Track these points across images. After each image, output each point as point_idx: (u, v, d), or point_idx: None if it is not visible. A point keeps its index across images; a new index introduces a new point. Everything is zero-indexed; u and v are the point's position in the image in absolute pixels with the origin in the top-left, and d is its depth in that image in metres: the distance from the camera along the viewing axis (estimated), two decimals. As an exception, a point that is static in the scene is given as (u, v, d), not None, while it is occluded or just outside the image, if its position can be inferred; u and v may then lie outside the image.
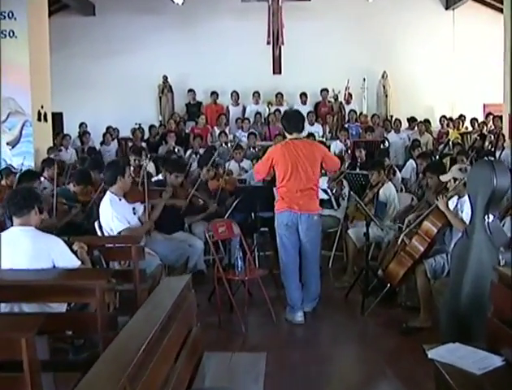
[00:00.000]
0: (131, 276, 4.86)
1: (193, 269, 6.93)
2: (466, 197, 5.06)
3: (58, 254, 4.06)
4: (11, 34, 10.06)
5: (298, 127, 5.83)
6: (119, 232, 5.60)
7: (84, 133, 12.99)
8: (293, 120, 5.85)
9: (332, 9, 14.72)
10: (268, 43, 13.87)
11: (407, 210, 6.77)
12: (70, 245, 4.33)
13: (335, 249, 7.84)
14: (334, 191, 7.56)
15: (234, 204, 6.44)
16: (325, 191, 6.97)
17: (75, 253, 4.26)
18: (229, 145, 11.63)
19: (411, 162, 10.04)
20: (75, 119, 14.25)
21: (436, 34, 15.06)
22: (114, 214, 5.70)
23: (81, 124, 13.90)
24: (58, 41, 14.27)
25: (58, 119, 14.79)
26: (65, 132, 13.80)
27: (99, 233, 5.87)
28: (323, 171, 7.62)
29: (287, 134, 5.92)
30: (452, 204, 5.36)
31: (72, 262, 4.11)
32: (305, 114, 13.55)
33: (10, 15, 10.03)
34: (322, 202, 6.94)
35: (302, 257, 5.84)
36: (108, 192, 5.90)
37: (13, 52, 9.99)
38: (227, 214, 6.37)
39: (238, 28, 14.54)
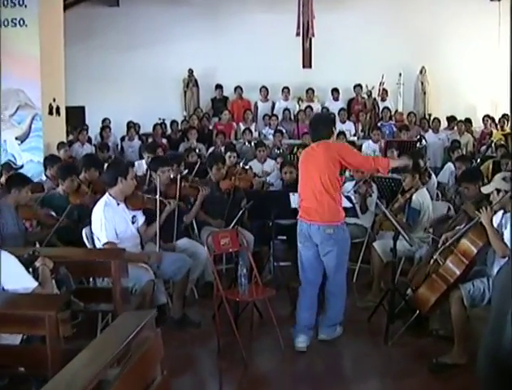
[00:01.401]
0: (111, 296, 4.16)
1: (199, 281, 6.26)
2: (513, 213, 4.25)
3: (6, 274, 3.36)
4: (21, 23, 9.41)
5: (324, 136, 5.06)
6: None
7: (104, 128, 12.38)
8: (319, 127, 5.14)
9: (366, -1, 13.93)
10: (298, 35, 13.08)
11: (442, 219, 5.98)
12: (33, 261, 3.64)
13: (360, 261, 7.01)
14: (359, 193, 6.75)
15: (241, 212, 5.69)
16: (348, 198, 6.13)
17: (35, 270, 3.57)
18: (252, 143, 10.87)
19: (449, 166, 9.18)
20: (99, 113, 13.71)
21: (479, 27, 13.98)
22: (103, 221, 5.02)
23: (104, 120, 13.32)
24: (80, 33, 14.00)
25: (79, 113, 14.38)
26: (88, 126, 13.28)
27: (87, 243, 5.21)
28: (348, 173, 6.90)
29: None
30: (495, 219, 4.51)
31: (25, 283, 3.41)
32: (336, 112, 13.04)
33: (21, 2, 9.40)
34: (344, 211, 6.19)
35: (326, 269, 5.09)
36: (106, 195, 5.25)
37: (23, 42, 9.37)
38: (232, 224, 5.59)
39: (267, 19, 13.83)
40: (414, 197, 6.12)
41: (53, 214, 5.72)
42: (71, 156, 9.65)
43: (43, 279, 3.52)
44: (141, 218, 5.44)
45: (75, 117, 13.84)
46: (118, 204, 5.22)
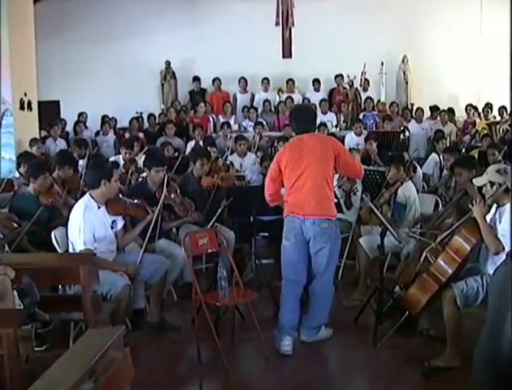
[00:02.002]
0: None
1: (177, 282, 5.98)
2: (508, 207, 4.00)
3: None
4: (-12, 16, 9.06)
5: (309, 127, 4.89)
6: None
7: (77, 123, 11.99)
8: (303, 118, 4.90)
9: (347, -13, 13.65)
10: (277, 24, 12.80)
11: (430, 217, 5.73)
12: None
13: (345, 258, 6.76)
14: (343, 189, 6.50)
15: (220, 210, 5.39)
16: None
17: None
18: (232, 136, 10.53)
19: (434, 156, 8.96)
20: (74, 107, 13.29)
21: (461, 15, 13.77)
22: (82, 226, 4.73)
23: (81, 114, 12.92)
24: (55, 25, 13.69)
25: (54, 107, 13.98)
26: (62, 121, 12.87)
27: (57, 247, 4.90)
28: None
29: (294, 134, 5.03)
30: (489, 214, 4.27)
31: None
32: (317, 103, 12.76)
33: (-13, -5, 9.04)
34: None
35: (313, 267, 4.85)
36: (86, 196, 4.96)
37: (-8, 35, 9.00)
38: (211, 222, 5.30)
39: (245, 8, 13.48)
40: (399, 191, 5.90)
41: (14, 217, 5.37)
42: (44, 153, 9.27)
43: (2, 291, 3.20)
44: (119, 223, 5.15)
45: (50, 112, 13.43)
46: (98, 207, 4.93)
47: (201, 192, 6.47)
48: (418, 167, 7.90)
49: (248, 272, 6.49)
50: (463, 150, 9.10)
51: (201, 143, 9.71)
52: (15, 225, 5.34)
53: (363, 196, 5.96)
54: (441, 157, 8.80)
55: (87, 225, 4.71)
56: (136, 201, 5.21)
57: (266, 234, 6.59)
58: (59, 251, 4.89)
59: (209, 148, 7.77)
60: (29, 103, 9.68)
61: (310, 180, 4.64)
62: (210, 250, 4.86)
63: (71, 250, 4.81)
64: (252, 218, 6.01)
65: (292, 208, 4.71)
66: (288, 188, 4.77)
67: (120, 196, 5.19)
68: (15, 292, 3.30)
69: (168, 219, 5.82)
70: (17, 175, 7.26)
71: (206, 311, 4.50)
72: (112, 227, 5.01)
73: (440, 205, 6.29)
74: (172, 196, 5.79)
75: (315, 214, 4.64)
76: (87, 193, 4.96)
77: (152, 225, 5.22)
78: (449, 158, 7.11)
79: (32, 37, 10.00)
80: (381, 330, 4.92)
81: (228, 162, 8.58)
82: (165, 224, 5.83)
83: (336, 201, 5.79)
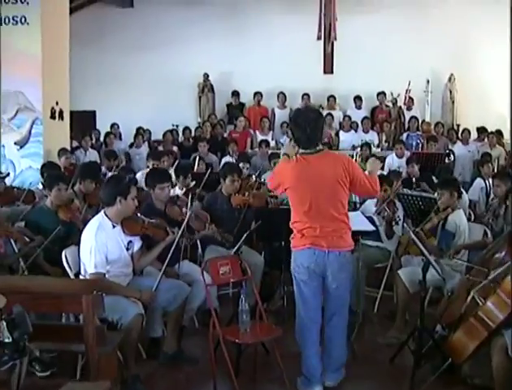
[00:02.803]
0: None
1: (199, 308, 5.52)
2: None
3: None
4: (23, 20, 8.82)
5: (315, 140, 4.13)
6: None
7: (108, 134, 11.73)
8: (307, 129, 4.05)
9: (392, 0, 13.20)
10: (319, 38, 12.41)
11: (478, 247, 5.21)
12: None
13: (383, 288, 6.24)
14: (384, 215, 5.99)
15: (245, 235, 4.94)
16: (370, 219, 5.36)
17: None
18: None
19: (479, 181, 8.39)
20: (110, 118, 13.15)
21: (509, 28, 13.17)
22: (94, 247, 4.36)
23: (113, 125, 12.71)
24: (93, 34, 13.65)
25: (90, 117, 13.88)
26: (96, 131, 12.71)
27: (67, 268, 4.54)
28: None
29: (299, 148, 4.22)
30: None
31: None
32: (359, 121, 12.29)
33: (23, -1, 8.85)
34: (366, 234, 5.45)
35: (328, 312, 4.32)
36: (101, 214, 4.59)
37: (24, 40, 8.81)
38: (235, 248, 4.85)
39: (286, 21, 13.17)
40: (449, 218, 5.38)
41: (27, 232, 5.06)
42: (73, 163, 9.00)
43: (-12, 323, 2.83)
44: (136, 244, 4.76)
45: (85, 122, 13.32)
46: (113, 226, 4.55)
47: (230, 212, 6.04)
48: (464, 193, 7.34)
49: (277, 300, 6.05)
50: (512, 176, 8.50)
51: (232, 159, 9.32)
52: (28, 239, 5.04)
53: (405, 225, 5.44)
54: (487, 182, 8.29)
55: (99, 246, 4.33)
56: (154, 220, 4.81)
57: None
58: (70, 273, 4.53)
59: (242, 164, 7.37)
60: (61, 112, 9.44)
61: (325, 209, 4.09)
62: (232, 280, 4.42)
63: (82, 272, 4.45)
64: (283, 243, 5.58)
65: (312, 240, 4.12)
66: (299, 217, 4.18)
67: (138, 214, 4.78)
68: (4, 323, 2.91)
69: (189, 239, 5.37)
70: (40, 186, 6.98)
71: (224, 348, 4.06)
72: (128, 249, 4.63)
73: (489, 235, 5.74)
74: (184, 210, 5.35)
75: (338, 245, 4.13)
76: (101, 211, 4.59)
77: (173, 247, 4.82)
78: (499, 184, 6.55)
79: (66, 46, 9.80)
80: (419, 374, 4.41)
81: (262, 180, 8.19)
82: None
83: (374, 229, 5.35)
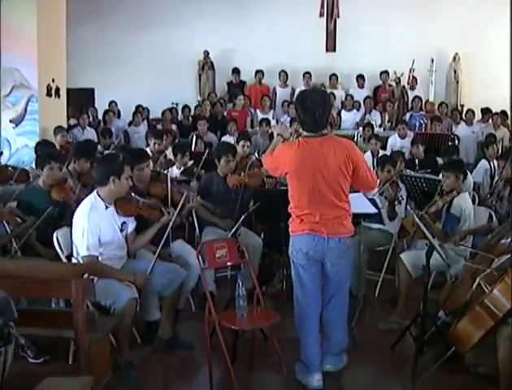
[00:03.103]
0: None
1: (196, 291, 5.39)
2: None
3: None
4: (19, -4, 8.65)
5: (321, 124, 3.92)
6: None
7: (107, 112, 11.52)
8: (312, 112, 3.84)
9: (397, -22, 12.95)
10: (321, 15, 12.21)
11: (484, 232, 5.06)
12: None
13: (384, 272, 6.10)
14: (385, 197, 5.82)
15: (243, 216, 4.77)
16: (372, 201, 5.19)
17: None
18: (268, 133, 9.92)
19: (484, 163, 8.25)
20: (109, 96, 12.90)
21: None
22: (86, 229, 4.20)
23: (111, 103, 12.49)
24: (91, 12, 13.48)
25: (88, 95, 13.70)
26: (97, 109, 12.51)
27: (59, 250, 4.39)
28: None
29: (301, 130, 4.09)
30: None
31: None
32: (361, 100, 12.08)
33: (17, -27, 8.64)
34: (368, 217, 5.30)
35: (326, 296, 4.17)
36: (93, 194, 4.43)
37: (19, 16, 8.65)
38: (232, 231, 4.69)
39: (288, -3, 12.88)
40: (455, 201, 5.22)
41: (18, 212, 4.91)
42: (69, 142, 8.82)
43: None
44: (131, 226, 4.61)
45: (84, 100, 13.14)
46: (106, 207, 4.40)
47: (226, 193, 5.88)
48: (469, 175, 7.18)
49: (276, 283, 5.95)
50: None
51: (234, 138, 9.13)
52: (19, 220, 4.89)
53: (408, 207, 5.28)
54: (491, 163, 8.13)
55: (91, 227, 4.18)
56: (149, 200, 4.66)
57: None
58: (62, 255, 4.38)
59: (242, 142, 7.19)
60: (57, 90, 9.29)
61: (326, 195, 3.91)
62: (229, 263, 4.27)
63: (75, 254, 4.31)
64: (282, 225, 5.42)
65: (311, 226, 3.95)
66: (298, 201, 4.01)
67: (132, 194, 4.62)
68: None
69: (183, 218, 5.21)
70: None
71: (220, 334, 3.92)
72: (122, 230, 4.48)
73: (494, 220, 5.59)
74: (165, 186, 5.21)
75: (339, 232, 3.97)
76: (94, 191, 4.43)
77: (169, 228, 4.68)
78: (504, 166, 6.39)
79: (62, 23, 9.65)
80: (421, 362, 4.28)
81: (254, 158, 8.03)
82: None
83: (376, 211, 5.19)
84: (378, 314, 5.52)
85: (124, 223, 4.51)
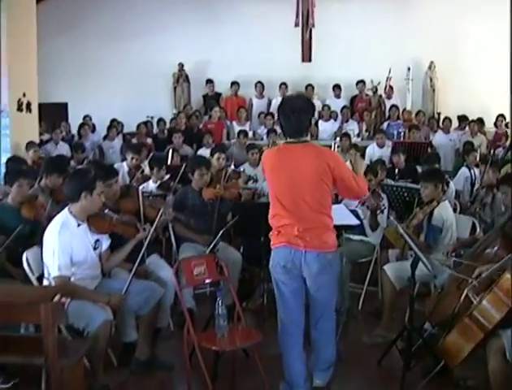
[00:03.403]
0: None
1: (174, 309, 5.20)
2: None
3: None
4: (-13, 8, 8.42)
5: (301, 129, 3.77)
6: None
7: (82, 126, 11.29)
8: (294, 116, 3.72)
9: (372, -14, 12.92)
10: (297, 25, 12.12)
11: (468, 242, 4.96)
12: None
13: (367, 284, 5.96)
14: (368, 205, 5.69)
15: (221, 232, 4.62)
16: (354, 212, 5.07)
17: None
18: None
19: (464, 170, 8.20)
20: (83, 110, 12.64)
21: (493, 19, 12.85)
22: (57, 248, 4.02)
23: (85, 117, 12.26)
24: (63, 23, 13.21)
25: (62, 109, 13.44)
26: (71, 124, 12.30)
27: (28, 272, 4.19)
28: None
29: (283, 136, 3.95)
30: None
31: None
32: (338, 110, 11.99)
33: (-16, -15, 8.41)
34: (350, 228, 5.17)
35: (313, 317, 4.03)
36: (65, 212, 4.23)
37: (-13, 30, 8.38)
38: (210, 247, 4.51)
39: (263, 8, 12.73)
40: (435, 211, 5.10)
41: None
42: (42, 157, 8.59)
43: None
44: (105, 243, 4.43)
45: (57, 114, 12.90)
46: (78, 224, 4.21)
47: (202, 206, 5.73)
48: (451, 183, 7.10)
49: (256, 298, 5.78)
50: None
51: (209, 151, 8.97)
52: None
53: (391, 217, 5.15)
54: (472, 171, 8.10)
55: (63, 246, 3.99)
56: (124, 216, 4.49)
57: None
58: (31, 276, 4.18)
59: (217, 154, 7.04)
60: (28, 104, 9.05)
61: (305, 207, 3.74)
62: (207, 281, 4.10)
63: (46, 275, 4.11)
64: (262, 238, 5.28)
65: (288, 238, 3.79)
66: (277, 212, 3.85)
67: (106, 211, 4.44)
68: None
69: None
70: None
71: (200, 355, 3.74)
72: (95, 248, 4.29)
73: (478, 228, 5.49)
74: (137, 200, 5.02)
75: (318, 245, 3.78)
76: (65, 208, 4.24)
77: (145, 245, 4.50)
78: (484, 171, 6.31)
79: (33, 36, 9.41)
80: (409, 376, 4.14)
81: (241, 170, 7.89)
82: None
83: (359, 222, 5.07)
84: (362, 327, 5.39)
85: (98, 240, 4.32)
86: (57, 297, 3.60)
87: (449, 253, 4.84)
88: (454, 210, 6.40)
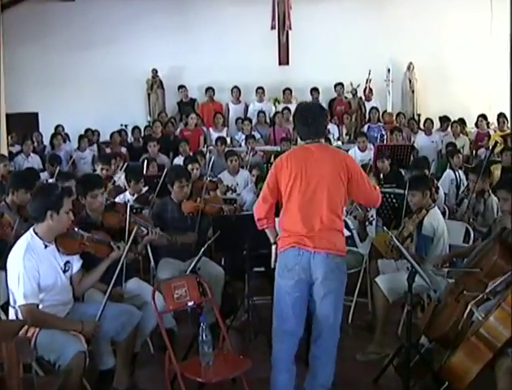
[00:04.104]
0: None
1: (154, 331, 4.85)
2: None
3: None
4: None
5: (318, 134, 3.82)
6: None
7: (54, 135, 10.86)
8: (310, 120, 3.79)
9: (348, -13, 12.70)
10: (273, 28, 11.91)
11: (465, 252, 4.70)
12: None
13: (357, 295, 5.67)
14: (356, 215, 5.42)
15: (202, 250, 4.28)
16: (344, 223, 4.77)
17: None
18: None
19: (449, 173, 7.97)
20: (54, 120, 12.23)
21: (471, 19, 12.78)
22: (22, 274, 3.65)
23: (57, 127, 11.83)
24: (32, 31, 12.80)
25: (32, 120, 13.01)
26: (43, 134, 11.83)
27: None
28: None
29: (300, 140, 4.00)
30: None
31: None
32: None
33: None
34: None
35: (315, 331, 3.83)
36: (29, 233, 3.86)
37: None
38: (191, 266, 4.18)
39: (238, 11, 12.43)
40: (425, 220, 4.81)
41: None
42: (11, 171, 8.15)
43: None
44: (76, 265, 4.05)
45: (27, 125, 12.47)
46: (45, 246, 3.84)
47: (182, 220, 5.41)
48: (441, 188, 6.85)
49: (241, 314, 5.43)
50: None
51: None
52: None
53: (384, 228, 4.86)
54: (457, 173, 7.88)
55: (28, 272, 3.62)
56: (96, 234, 4.14)
57: (263, 269, 5.49)
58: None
59: (190, 165, 6.72)
60: (-6, 116, 8.60)
61: (318, 205, 3.67)
62: (189, 303, 3.77)
63: (12, 303, 3.74)
64: (245, 251, 4.98)
65: (296, 239, 3.68)
66: (288, 211, 3.76)
67: (76, 229, 4.08)
68: None
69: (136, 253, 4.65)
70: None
71: (182, 385, 3.41)
72: (65, 271, 3.93)
73: (472, 236, 5.23)
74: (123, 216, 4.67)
75: (328, 246, 3.67)
76: (30, 229, 3.88)
77: (120, 265, 4.16)
78: (474, 179, 6.06)
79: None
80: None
81: (217, 179, 7.58)
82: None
83: (349, 233, 4.79)
84: (354, 343, 5.08)
85: (68, 262, 3.97)
86: (24, 329, 3.25)
87: (439, 264, 4.56)
88: (443, 214, 6.17)
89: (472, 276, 4.03)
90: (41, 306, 3.72)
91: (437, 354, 4.39)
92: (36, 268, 3.69)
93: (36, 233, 3.82)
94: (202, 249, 4.27)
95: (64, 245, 3.90)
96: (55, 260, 3.87)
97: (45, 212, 3.77)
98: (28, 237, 3.80)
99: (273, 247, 3.88)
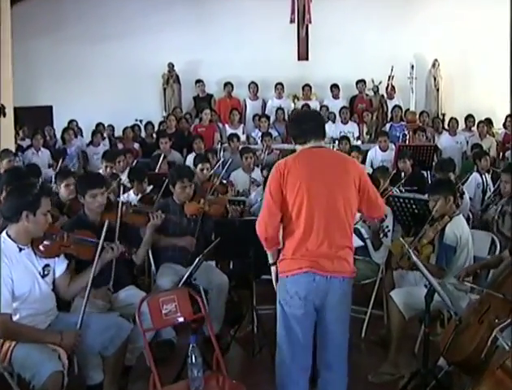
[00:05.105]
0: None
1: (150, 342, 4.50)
2: None
3: None
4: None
5: (318, 135, 3.44)
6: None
7: (66, 130, 10.58)
8: (309, 124, 3.44)
9: (372, -20, 12.29)
10: (292, 22, 11.50)
11: (493, 263, 4.30)
12: None
13: (371, 307, 5.27)
14: (369, 226, 5.02)
15: (198, 259, 3.92)
16: (357, 231, 4.40)
17: None
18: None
19: (475, 176, 7.46)
20: (69, 114, 11.95)
21: (498, 14, 12.24)
22: None
23: (71, 122, 11.55)
24: (49, 24, 12.56)
25: (46, 113, 12.77)
26: (56, 128, 11.60)
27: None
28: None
29: (298, 146, 3.49)
30: None
31: None
32: (336, 111, 11.30)
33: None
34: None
35: (324, 356, 3.43)
36: (2, 235, 3.53)
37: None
38: (185, 277, 3.82)
39: (256, 4, 12.09)
40: (447, 228, 4.38)
41: None
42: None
43: None
44: (59, 267, 3.72)
45: (41, 118, 12.24)
46: (20, 249, 3.52)
47: (184, 223, 5.10)
48: (466, 193, 6.40)
49: (246, 324, 5.08)
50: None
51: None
52: None
53: (400, 239, 4.43)
54: (483, 177, 7.41)
55: (1, 280, 3.29)
56: (81, 235, 3.81)
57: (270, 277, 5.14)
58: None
59: (200, 165, 6.38)
60: (2, 108, 8.36)
61: (335, 219, 3.28)
62: (180, 320, 3.39)
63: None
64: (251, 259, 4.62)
65: (311, 262, 3.24)
66: (298, 227, 3.28)
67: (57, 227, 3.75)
68: None
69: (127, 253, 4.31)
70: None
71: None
72: (44, 276, 3.58)
73: (498, 247, 4.79)
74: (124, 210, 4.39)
75: (344, 270, 3.30)
76: (3, 231, 3.54)
77: (113, 268, 3.86)
78: (507, 180, 5.60)
79: (7, 38, 8.80)
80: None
81: (231, 180, 7.24)
82: (136, 257, 4.38)
83: (362, 244, 4.40)
84: (367, 360, 4.70)
85: (47, 265, 3.61)
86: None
87: (462, 277, 4.15)
88: (467, 221, 5.72)
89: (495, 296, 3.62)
90: (17, 317, 3.40)
91: (457, 379, 4.02)
92: (8, 274, 3.36)
93: (9, 236, 3.48)
94: (198, 259, 3.90)
95: (41, 248, 3.56)
96: (32, 264, 3.54)
97: (20, 212, 3.44)
98: (1, 240, 3.46)
99: (273, 268, 3.46)
